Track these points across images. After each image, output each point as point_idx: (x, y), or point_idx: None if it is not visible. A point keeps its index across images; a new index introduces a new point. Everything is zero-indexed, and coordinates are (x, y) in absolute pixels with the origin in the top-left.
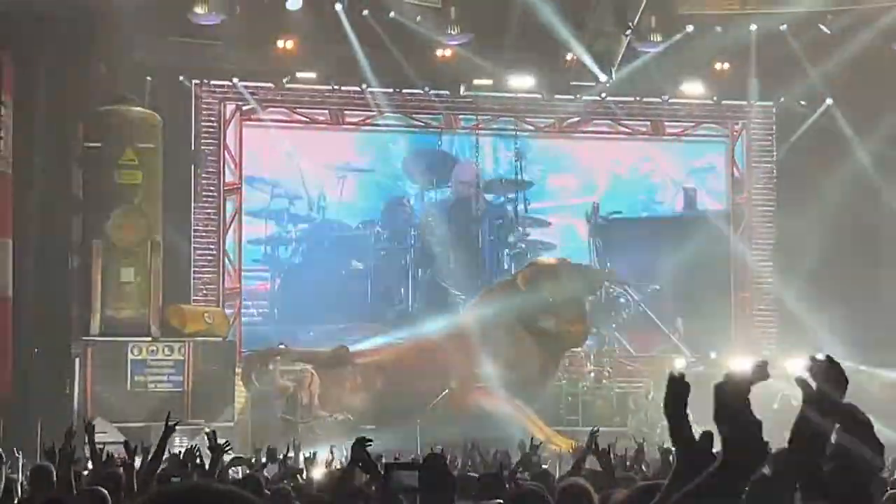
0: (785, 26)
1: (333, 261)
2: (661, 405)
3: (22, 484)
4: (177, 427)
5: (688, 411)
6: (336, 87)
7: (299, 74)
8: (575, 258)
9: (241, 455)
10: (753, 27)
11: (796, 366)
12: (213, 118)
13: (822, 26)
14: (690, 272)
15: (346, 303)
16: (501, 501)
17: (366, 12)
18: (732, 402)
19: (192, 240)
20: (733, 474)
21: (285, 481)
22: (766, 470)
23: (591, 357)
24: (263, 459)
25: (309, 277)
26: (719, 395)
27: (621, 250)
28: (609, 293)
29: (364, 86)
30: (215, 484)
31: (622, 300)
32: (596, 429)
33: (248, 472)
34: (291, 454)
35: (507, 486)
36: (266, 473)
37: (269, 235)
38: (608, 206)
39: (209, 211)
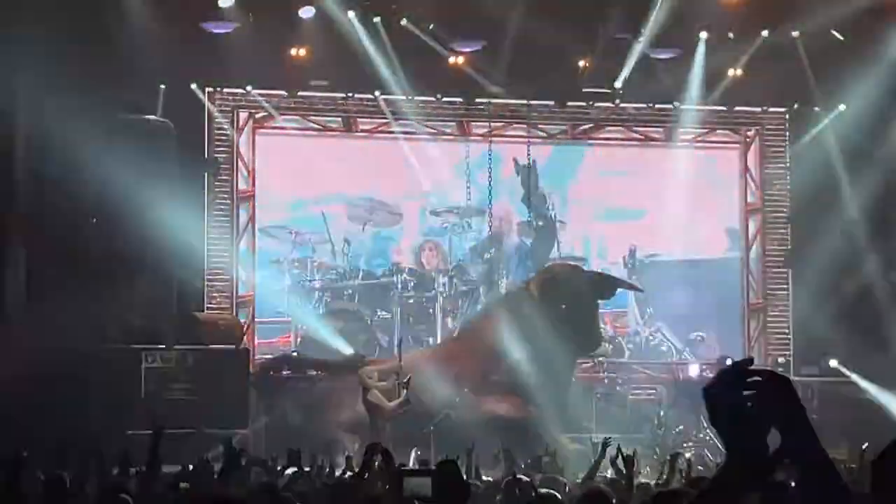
0: (797, 32)
1: (357, 309)
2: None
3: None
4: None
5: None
6: (349, 94)
7: (312, 82)
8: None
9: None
10: (765, 33)
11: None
12: (225, 126)
13: (834, 32)
14: (733, 314)
15: (370, 352)
16: None
17: (377, 19)
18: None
19: (206, 248)
20: (737, 476)
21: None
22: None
23: (605, 364)
24: (284, 464)
25: (329, 329)
26: (708, 398)
27: (661, 294)
28: (649, 340)
29: (377, 93)
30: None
31: (663, 348)
32: (608, 438)
33: (265, 477)
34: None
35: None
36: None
37: (290, 285)
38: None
39: (222, 219)
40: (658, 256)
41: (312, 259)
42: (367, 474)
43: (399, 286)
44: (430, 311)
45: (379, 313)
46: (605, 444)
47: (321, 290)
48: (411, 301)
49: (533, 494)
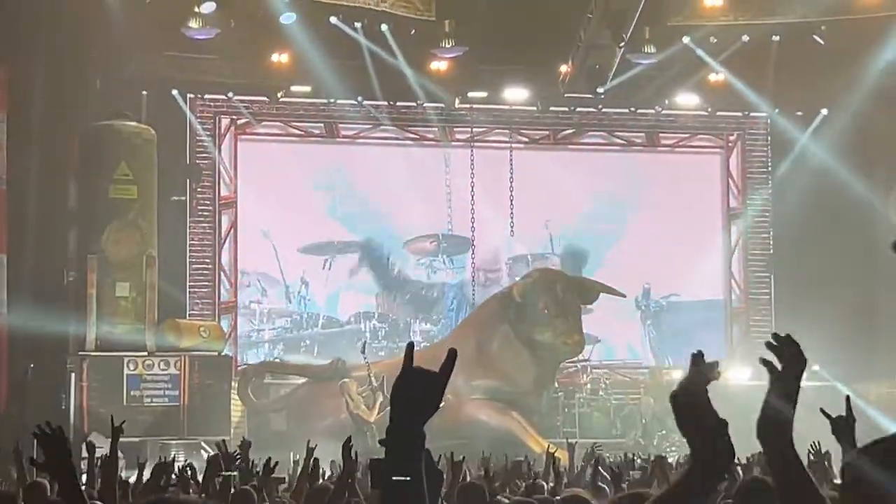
0: (777, 37)
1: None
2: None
3: None
4: (174, 441)
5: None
6: (330, 100)
7: (294, 88)
8: (628, 355)
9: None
10: (746, 38)
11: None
12: (207, 132)
13: (815, 37)
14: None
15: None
16: None
17: (359, 25)
18: (691, 407)
19: (188, 254)
20: (704, 475)
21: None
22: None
23: (588, 368)
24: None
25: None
26: (675, 403)
27: (677, 336)
28: None
29: (359, 98)
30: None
31: None
32: (597, 444)
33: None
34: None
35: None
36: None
37: (239, 335)
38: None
39: (204, 225)
40: (677, 296)
41: (261, 303)
42: (349, 480)
43: (367, 334)
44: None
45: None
46: (593, 452)
47: (272, 341)
48: (382, 353)
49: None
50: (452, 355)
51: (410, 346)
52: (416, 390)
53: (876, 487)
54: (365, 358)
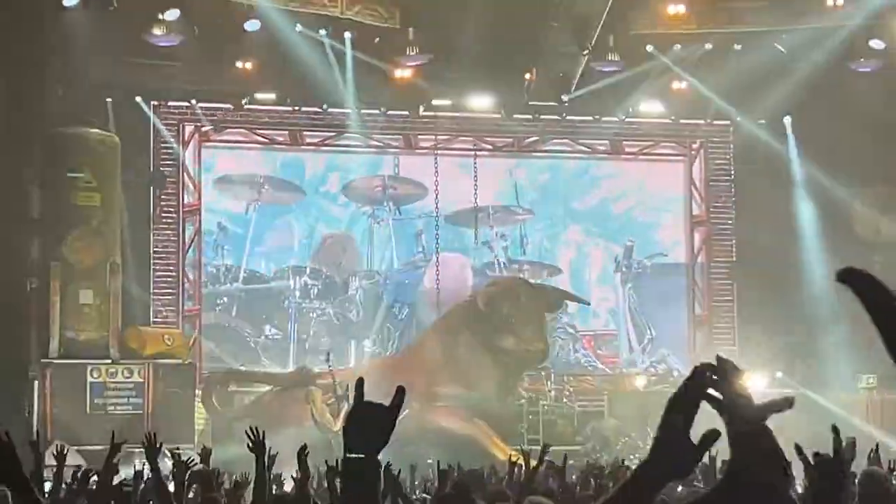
0: (740, 45)
1: (235, 325)
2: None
3: None
4: (138, 449)
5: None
6: (295, 107)
7: (258, 95)
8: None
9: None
10: (709, 46)
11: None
12: (171, 139)
13: (777, 45)
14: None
15: None
16: None
17: (323, 32)
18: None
19: (152, 261)
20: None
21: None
22: None
23: (552, 376)
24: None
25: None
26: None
27: (663, 305)
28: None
29: (324, 106)
30: None
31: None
32: (547, 446)
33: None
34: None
35: None
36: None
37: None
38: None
39: (168, 232)
40: (664, 256)
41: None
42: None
43: (297, 293)
44: (342, 329)
45: (267, 331)
46: (527, 454)
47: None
48: (313, 315)
49: None
50: (401, 392)
51: (360, 381)
52: (368, 424)
53: None
54: (330, 366)
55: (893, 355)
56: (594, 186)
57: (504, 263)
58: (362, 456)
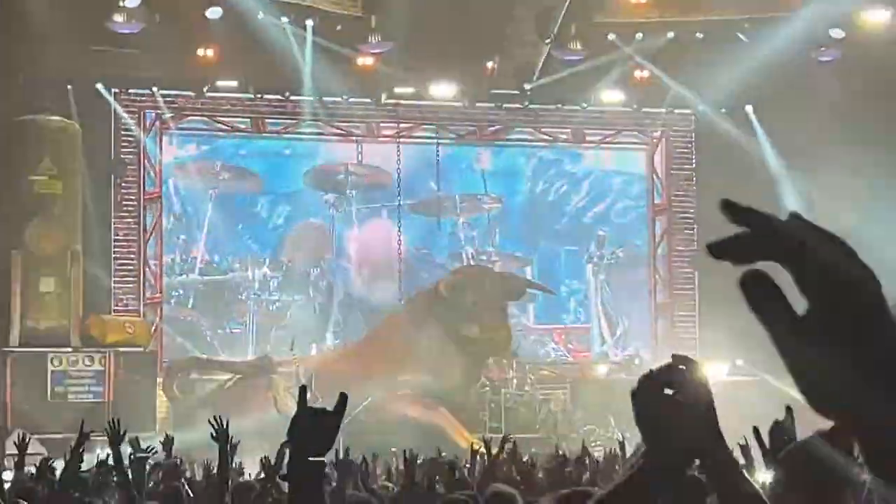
0: (702, 34)
1: (193, 318)
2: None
3: None
4: (99, 438)
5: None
6: (257, 95)
7: (220, 83)
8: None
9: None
10: (671, 35)
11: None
12: (133, 127)
13: (739, 34)
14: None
15: None
16: None
17: (286, 19)
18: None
19: (113, 249)
20: (651, 475)
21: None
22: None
23: (514, 364)
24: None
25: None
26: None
27: (634, 295)
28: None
29: (286, 94)
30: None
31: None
32: (509, 436)
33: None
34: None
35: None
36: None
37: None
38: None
39: (129, 220)
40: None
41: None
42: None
43: (256, 284)
44: (304, 319)
45: (226, 324)
46: (487, 442)
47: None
48: (273, 307)
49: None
50: (343, 399)
51: (303, 388)
52: (311, 430)
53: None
54: (294, 354)
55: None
56: (560, 176)
57: (472, 254)
58: (307, 461)
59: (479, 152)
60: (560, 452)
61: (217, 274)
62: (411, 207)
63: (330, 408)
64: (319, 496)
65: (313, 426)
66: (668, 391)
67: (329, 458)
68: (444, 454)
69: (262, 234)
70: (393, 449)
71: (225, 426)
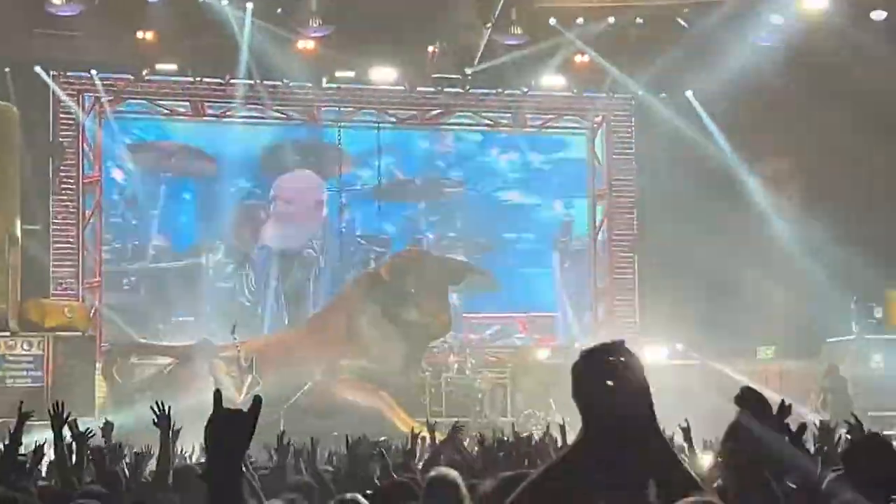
0: (642, 20)
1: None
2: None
3: None
4: (37, 423)
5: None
6: (197, 78)
7: (159, 66)
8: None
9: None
10: (611, 20)
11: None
12: (72, 110)
13: (679, 20)
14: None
15: None
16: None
17: (226, 2)
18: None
19: (51, 233)
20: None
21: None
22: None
23: (455, 348)
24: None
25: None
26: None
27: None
28: None
29: (226, 77)
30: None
31: None
32: (458, 423)
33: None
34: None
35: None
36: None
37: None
38: None
39: (68, 204)
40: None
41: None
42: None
43: (210, 271)
44: (247, 302)
45: (176, 311)
46: (455, 430)
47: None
48: (222, 292)
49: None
50: (258, 402)
51: (218, 392)
52: (227, 432)
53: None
54: (235, 338)
55: None
56: (502, 162)
57: (432, 240)
58: (224, 461)
59: (442, 136)
60: (499, 436)
61: (168, 260)
62: (362, 191)
63: (274, 389)
64: (238, 494)
65: (228, 426)
66: (607, 367)
67: (270, 443)
68: (382, 438)
69: (215, 219)
70: (334, 433)
71: (167, 412)
